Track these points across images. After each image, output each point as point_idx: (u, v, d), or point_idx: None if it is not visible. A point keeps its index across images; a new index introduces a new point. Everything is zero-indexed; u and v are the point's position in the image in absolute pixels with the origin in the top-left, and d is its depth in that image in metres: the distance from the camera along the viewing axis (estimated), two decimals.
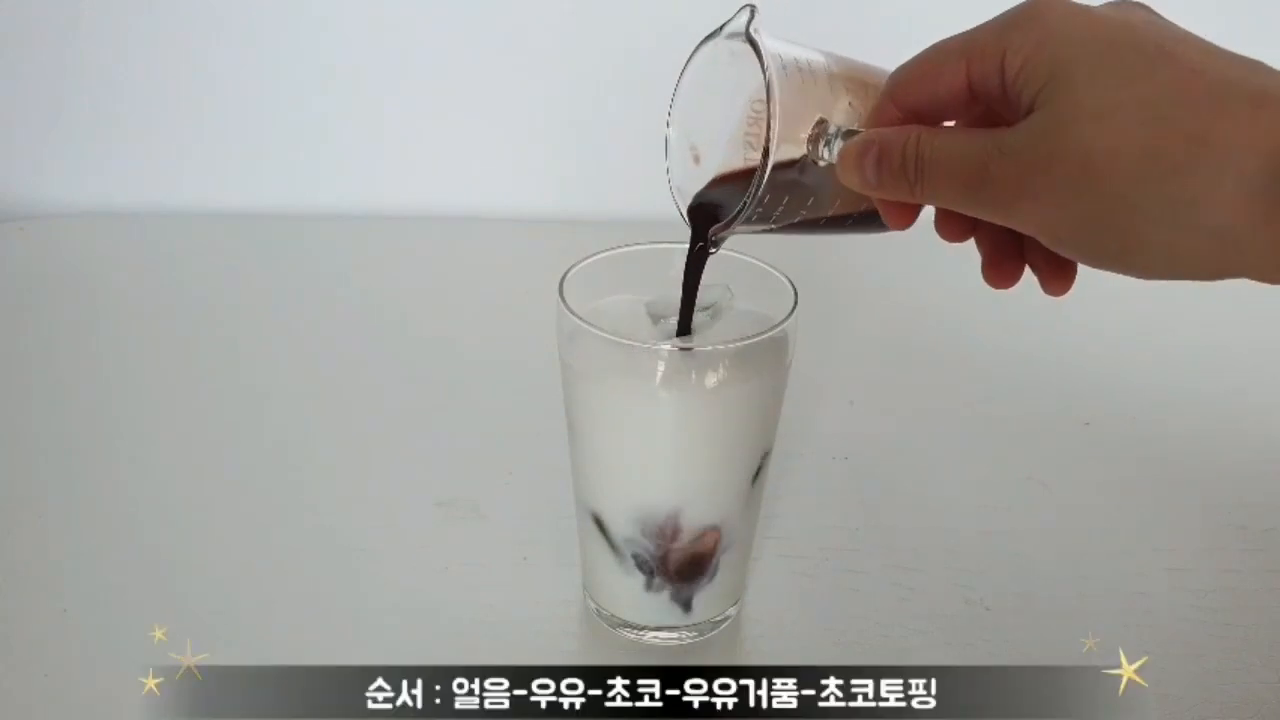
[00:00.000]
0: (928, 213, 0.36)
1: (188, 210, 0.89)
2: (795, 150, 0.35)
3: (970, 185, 0.32)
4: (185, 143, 0.88)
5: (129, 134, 0.87)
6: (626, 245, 0.44)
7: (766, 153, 0.35)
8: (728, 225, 0.38)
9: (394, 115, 0.88)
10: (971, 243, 0.36)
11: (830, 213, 0.38)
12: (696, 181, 0.40)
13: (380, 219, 0.89)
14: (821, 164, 0.36)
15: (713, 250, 0.40)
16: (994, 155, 0.31)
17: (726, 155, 0.39)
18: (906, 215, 0.35)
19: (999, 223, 0.33)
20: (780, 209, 0.37)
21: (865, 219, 0.38)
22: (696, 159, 0.40)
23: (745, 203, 0.36)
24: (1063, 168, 0.30)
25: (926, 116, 0.34)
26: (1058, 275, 0.35)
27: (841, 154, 0.34)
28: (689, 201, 0.40)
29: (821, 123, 0.36)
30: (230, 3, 0.83)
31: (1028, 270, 0.36)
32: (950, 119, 0.35)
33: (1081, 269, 0.34)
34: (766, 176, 0.35)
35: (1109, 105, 0.29)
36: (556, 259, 0.44)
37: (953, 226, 0.35)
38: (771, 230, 0.38)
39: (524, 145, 0.88)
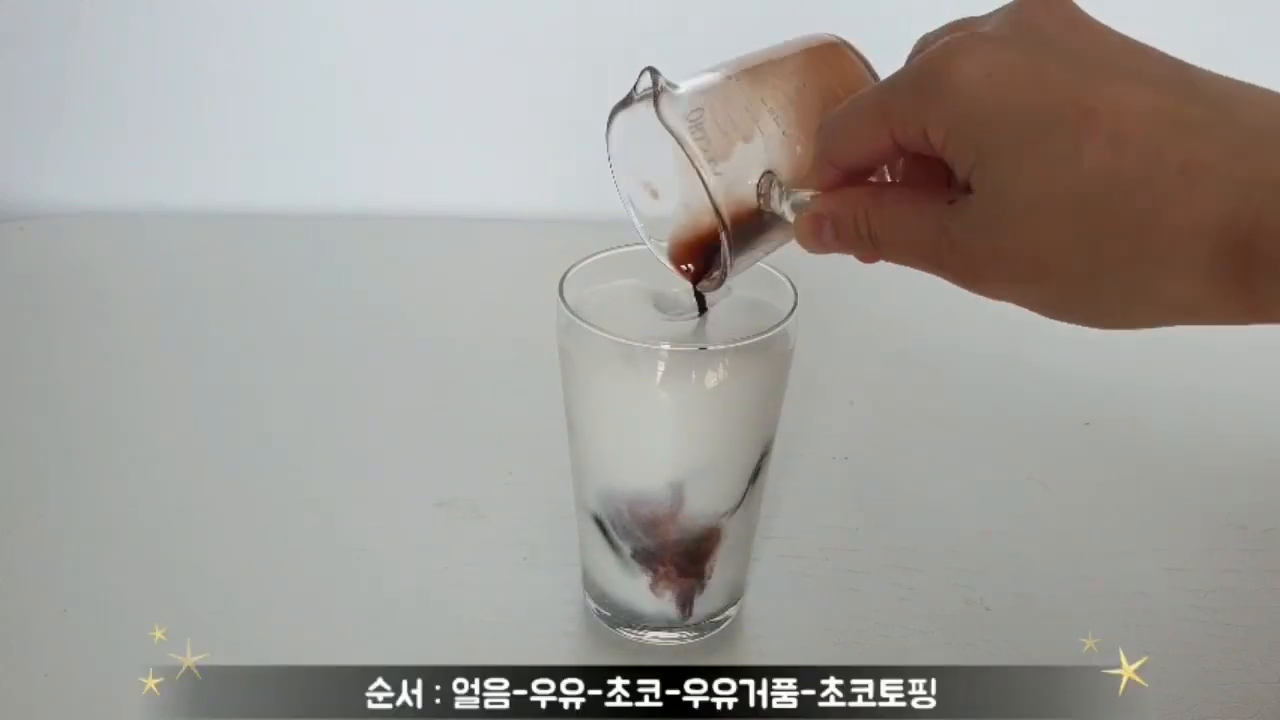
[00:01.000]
0: None
1: (188, 210, 0.89)
2: (748, 200, 0.36)
3: (929, 263, 0.32)
4: (185, 143, 0.88)
5: (129, 134, 0.87)
6: (626, 245, 0.44)
7: (724, 229, 0.36)
8: (716, 286, 0.39)
9: (394, 115, 0.88)
10: None
11: None
12: (664, 214, 0.40)
13: (380, 219, 0.89)
14: (778, 214, 0.36)
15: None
16: (945, 246, 0.31)
17: (683, 180, 0.39)
18: (874, 256, 0.36)
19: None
20: (758, 247, 0.38)
21: None
22: (655, 194, 0.41)
23: (721, 272, 0.37)
24: (1012, 263, 0.30)
25: (865, 171, 0.34)
26: None
27: (798, 230, 0.35)
28: (664, 241, 0.41)
29: (768, 174, 0.36)
30: (230, 3, 0.83)
31: None
32: (889, 164, 0.35)
33: None
34: (730, 255, 0.36)
35: (1041, 198, 0.28)
36: (556, 259, 0.44)
37: None
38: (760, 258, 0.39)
39: (524, 145, 0.88)
